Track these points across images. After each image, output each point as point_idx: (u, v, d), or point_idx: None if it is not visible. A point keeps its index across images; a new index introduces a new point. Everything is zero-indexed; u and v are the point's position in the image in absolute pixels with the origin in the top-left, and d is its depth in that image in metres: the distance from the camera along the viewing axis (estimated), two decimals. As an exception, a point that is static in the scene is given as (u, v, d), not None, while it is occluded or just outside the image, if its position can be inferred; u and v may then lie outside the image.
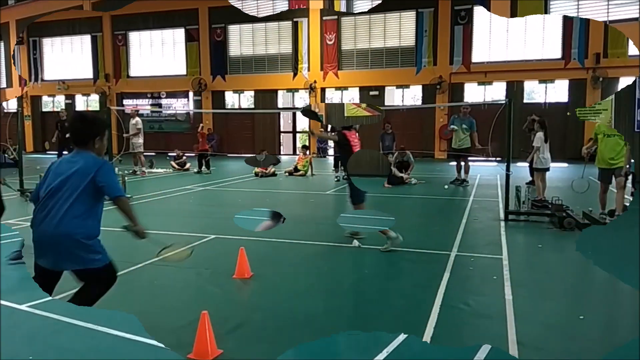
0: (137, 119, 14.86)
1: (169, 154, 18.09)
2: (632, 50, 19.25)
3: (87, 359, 3.28)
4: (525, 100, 20.98)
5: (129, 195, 9.94)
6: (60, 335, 3.60)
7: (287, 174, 14.68)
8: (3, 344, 3.35)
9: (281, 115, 25.11)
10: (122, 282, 4.79)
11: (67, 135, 15.58)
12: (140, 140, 14.69)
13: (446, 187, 11.86)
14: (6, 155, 16.70)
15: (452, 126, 12.29)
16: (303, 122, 25.46)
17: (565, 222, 7.00)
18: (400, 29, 22.40)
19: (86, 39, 27.34)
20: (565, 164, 16.80)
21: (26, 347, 3.43)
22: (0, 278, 4.72)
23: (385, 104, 22.40)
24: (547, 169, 9.15)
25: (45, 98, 29.06)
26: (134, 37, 26.63)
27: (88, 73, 27.37)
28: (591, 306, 4.26)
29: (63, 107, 26.57)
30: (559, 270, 5.27)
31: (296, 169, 14.79)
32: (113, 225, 7.76)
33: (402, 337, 3.36)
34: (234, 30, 24.82)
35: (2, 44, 28.83)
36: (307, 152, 15.11)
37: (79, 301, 3.37)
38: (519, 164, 15.18)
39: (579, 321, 3.84)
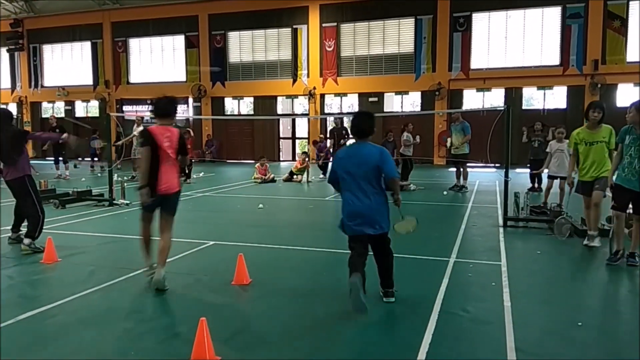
0: (142, 127, 15.00)
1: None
2: (630, 56, 19.35)
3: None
4: (524, 107, 21.05)
5: (127, 202, 9.99)
6: (59, 341, 3.58)
7: (285, 180, 14.70)
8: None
9: (280, 122, 25.16)
10: (120, 289, 4.81)
11: (59, 141, 15.63)
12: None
13: (445, 193, 11.87)
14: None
15: (448, 139, 12.49)
16: (302, 129, 25.52)
17: (564, 229, 7.01)
18: (399, 35, 22.50)
19: (86, 46, 27.44)
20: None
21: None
22: (1, 284, 4.72)
23: (385, 110, 22.47)
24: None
25: (45, 104, 29.12)
26: (134, 43, 26.72)
27: (88, 79, 27.45)
28: (590, 312, 4.26)
29: (62, 114, 26.59)
30: (557, 277, 5.27)
31: (291, 173, 14.80)
32: (110, 232, 7.78)
33: None
34: (233, 36, 24.93)
35: None
36: (307, 159, 15.15)
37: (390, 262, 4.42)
38: (518, 170, 15.21)
39: (577, 327, 3.83)
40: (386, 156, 4.20)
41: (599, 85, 19.54)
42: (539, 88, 20.90)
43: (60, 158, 15.88)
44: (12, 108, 28.84)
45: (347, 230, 4.29)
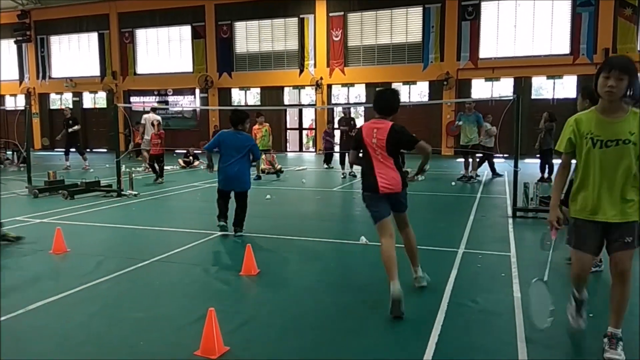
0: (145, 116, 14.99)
1: (176, 151, 18.14)
2: (642, 45, 19.07)
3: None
4: (533, 96, 20.83)
5: (135, 193, 10.01)
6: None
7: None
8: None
9: (287, 112, 25.10)
10: (129, 279, 4.82)
11: (70, 130, 15.63)
12: (147, 137, 14.79)
13: (453, 183, 11.81)
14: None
15: (458, 122, 12.24)
16: (309, 119, 25.46)
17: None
18: (407, 24, 22.30)
19: (93, 37, 27.45)
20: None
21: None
22: (1, 277, 4.74)
23: (392, 100, 22.30)
24: None
25: (53, 95, 29.23)
26: (141, 34, 26.69)
27: (95, 70, 27.49)
28: (600, 303, 4.21)
29: (69, 105, 26.67)
30: (567, 267, 5.22)
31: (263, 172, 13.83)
32: (119, 223, 7.81)
33: None
34: (240, 27, 24.82)
35: None
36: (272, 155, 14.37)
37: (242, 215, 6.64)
38: (527, 160, 15.10)
39: (588, 318, 3.79)
40: (252, 142, 6.81)
41: (610, 74, 19.27)
42: (549, 77, 20.67)
43: (72, 149, 15.94)
44: (20, 99, 29.02)
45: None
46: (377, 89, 4.44)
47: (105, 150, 26.11)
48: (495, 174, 12.96)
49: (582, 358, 3.22)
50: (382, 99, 4.17)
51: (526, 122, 15.19)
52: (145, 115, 14.90)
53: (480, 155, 12.50)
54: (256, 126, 13.25)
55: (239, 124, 6.72)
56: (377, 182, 4.11)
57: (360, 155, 4.27)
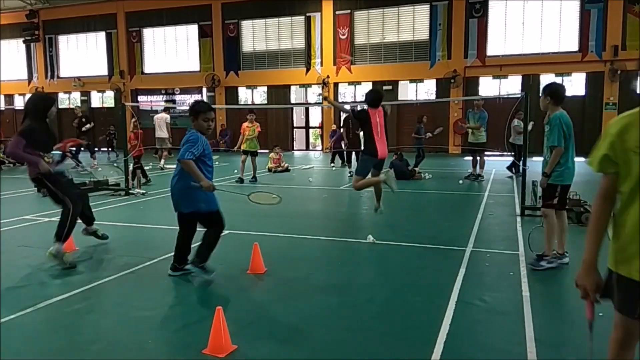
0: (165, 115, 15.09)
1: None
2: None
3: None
4: (541, 94, 20.64)
5: (143, 192, 10.05)
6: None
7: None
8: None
9: (294, 111, 25.09)
10: (137, 277, 4.84)
11: (84, 128, 15.75)
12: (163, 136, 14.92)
13: (461, 182, 11.75)
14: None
15: (466, 126, 12.26)
16: (316, 118, 25.44)
17: (583, 218, 6.91)
18: (414, 22, 22.21)
19: (101, 36, 27.57)
20: (582, 159, 16.55)
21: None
22: (0, 279, 4.77)
23: (399, 98, 22.27)
24: None
25: (61, 95, 29.40)
26: (148, 33, 26.79)
27: (103, 70, 27.62)
28: (610, 303, 4.17)
29: (79, 104, 26.83)
30: (576, 266, 5.18)
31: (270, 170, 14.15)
32: (126, 221, 7.83)
33: None
34: (246, 25, 24.84)
35: None
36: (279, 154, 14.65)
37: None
38: (535, 158, 14.98)
39: (598, 318, 3.75)
40: (185, 141, 4.59)
41: (619, 72, 19.11)
42: (557, 75, 20.48)
43: (82, 148, 16.06)
44: (29, 99, 29.19)
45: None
46: (369, 89, 5.58)
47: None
48: (511, 170, 12.80)
49: (591, 358, 3.20)
50: (374, 97, 6.78)
51: (534, 120, 14.93)
52: (157, 116, 15.06)
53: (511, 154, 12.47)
54: (246, 123, 12.60)
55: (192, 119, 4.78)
56: (377, 150, 6.60)
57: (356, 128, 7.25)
